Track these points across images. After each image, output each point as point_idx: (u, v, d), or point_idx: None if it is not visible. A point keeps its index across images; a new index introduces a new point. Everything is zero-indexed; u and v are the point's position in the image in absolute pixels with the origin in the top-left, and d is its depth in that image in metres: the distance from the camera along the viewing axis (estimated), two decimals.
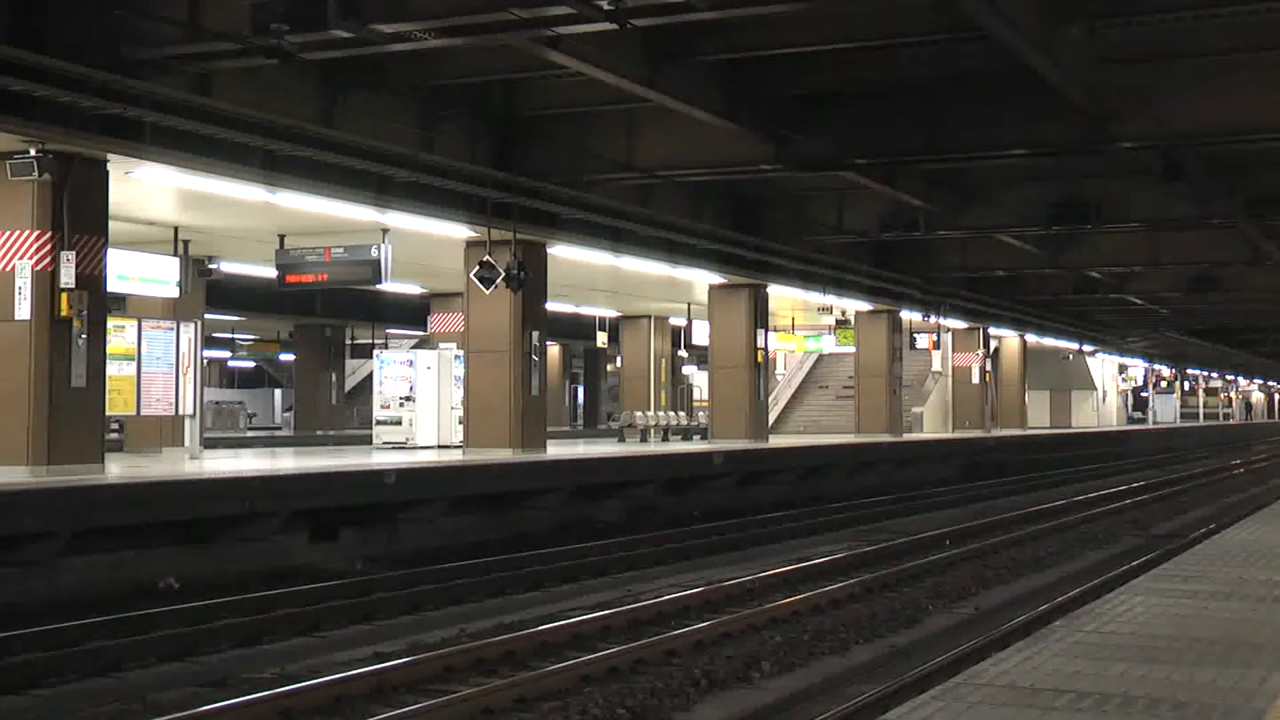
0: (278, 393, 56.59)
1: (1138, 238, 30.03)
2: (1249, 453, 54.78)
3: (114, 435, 19.66)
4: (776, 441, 27.98)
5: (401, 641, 11.01)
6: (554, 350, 46.40)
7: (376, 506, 15.43)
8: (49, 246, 13.56)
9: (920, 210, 24.83)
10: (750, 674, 10.01)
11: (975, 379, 38.95)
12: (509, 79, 17.81)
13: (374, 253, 18.20)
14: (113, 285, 15.48)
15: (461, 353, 21.42)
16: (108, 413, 15.67)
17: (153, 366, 17.65)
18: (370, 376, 27.26)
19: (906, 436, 32.63)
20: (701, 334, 30.01)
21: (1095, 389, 54.88)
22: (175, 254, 18.80)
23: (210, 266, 21.04)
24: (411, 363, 22.94)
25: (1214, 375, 80.00)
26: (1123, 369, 61.30)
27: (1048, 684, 5.71)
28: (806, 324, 35.29)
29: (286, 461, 19.60)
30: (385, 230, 18.06)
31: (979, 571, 15.67)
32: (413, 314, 33.94)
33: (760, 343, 26.27)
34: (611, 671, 9.79)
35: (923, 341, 35.68)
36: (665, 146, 19.87)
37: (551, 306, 22.57)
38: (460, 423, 21.45)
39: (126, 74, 13.50)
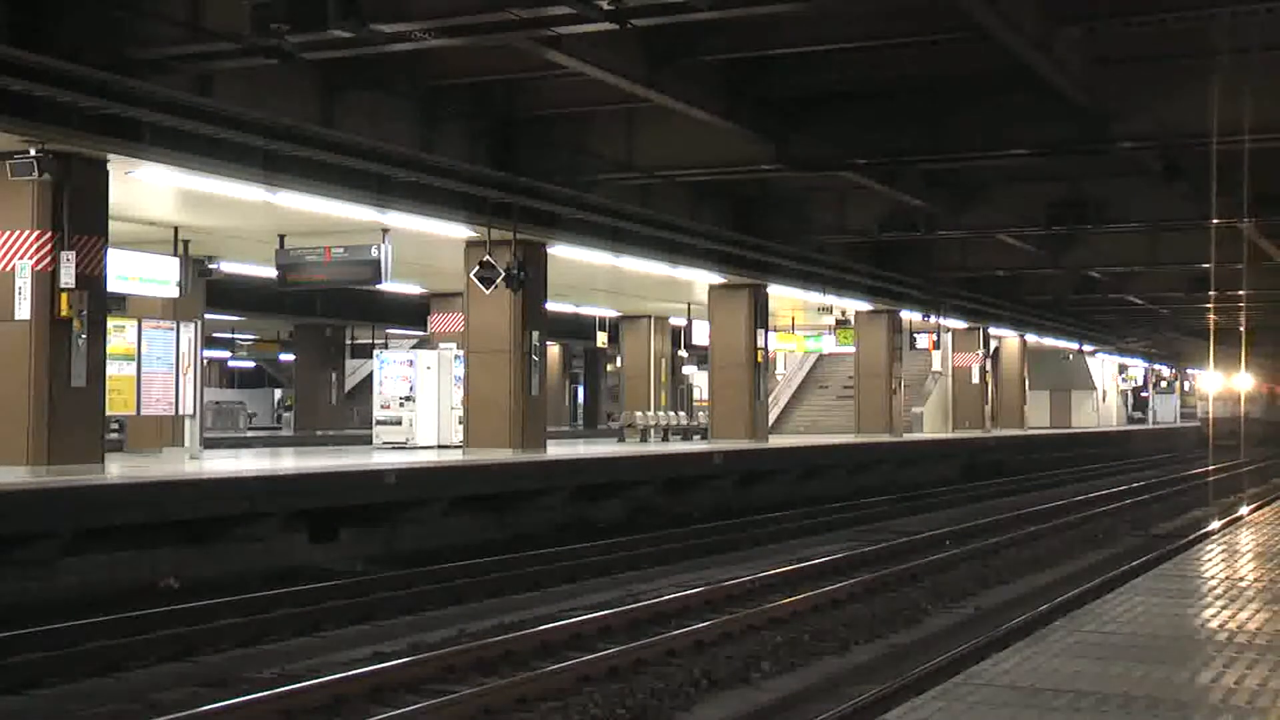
0: (278, 393, 56.57)
1: (1138, 238, 30.04)
2: (1249, 452, 54.65)
3: (114, 435, 19.64)
4: (776, 441, 27.98)
5: (401, 641, 11.01)
6: (554, 350, 46.39)
7: (376, 507, 15.43)
8: (49, 246, 13.56)
9: (920, 210, 24.85)
10: (750, 674, 10.01)
11: (975, 379, 38.95)
12: (509, 79, 17.83)
13: (374, 253, 18.19)
14: (113, 285, 15.47)
15: (461, 353, 21.41)
16: (108, 413, 15.67)
17: (153, 366, 17.64)
18: (370, 376, 27.26)
19: (906, 436, 32.63)
20: (701, 334, 30.01)
21: (1095, 389, 54.86)
22: (175, 254, 18.79)
23: (210, 266, 21.03)
24: (411, 363, 22.94)
25: None
26: (1123, 369, 61.28)
27: (1048, 684, 5.71)
28: (806, 324, 35.28)
29: (287, 462, 19.60)
30: (385, 230, 18.06)
31: (979, 571, 15.68)
32: (413, 314, 33.93)
33: (760, 343, 26.27)
34: (611, 671, 9.80)
35: (923, 341, 35.68)
36: (665, 146, 19.88)
37: (551, 306, 22.56)
38: (460, 423, 21.45)
39: (126, 74, 13.50)
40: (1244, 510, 21.67)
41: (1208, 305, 38.95)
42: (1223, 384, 57.38)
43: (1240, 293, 35.38)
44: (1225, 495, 28.92)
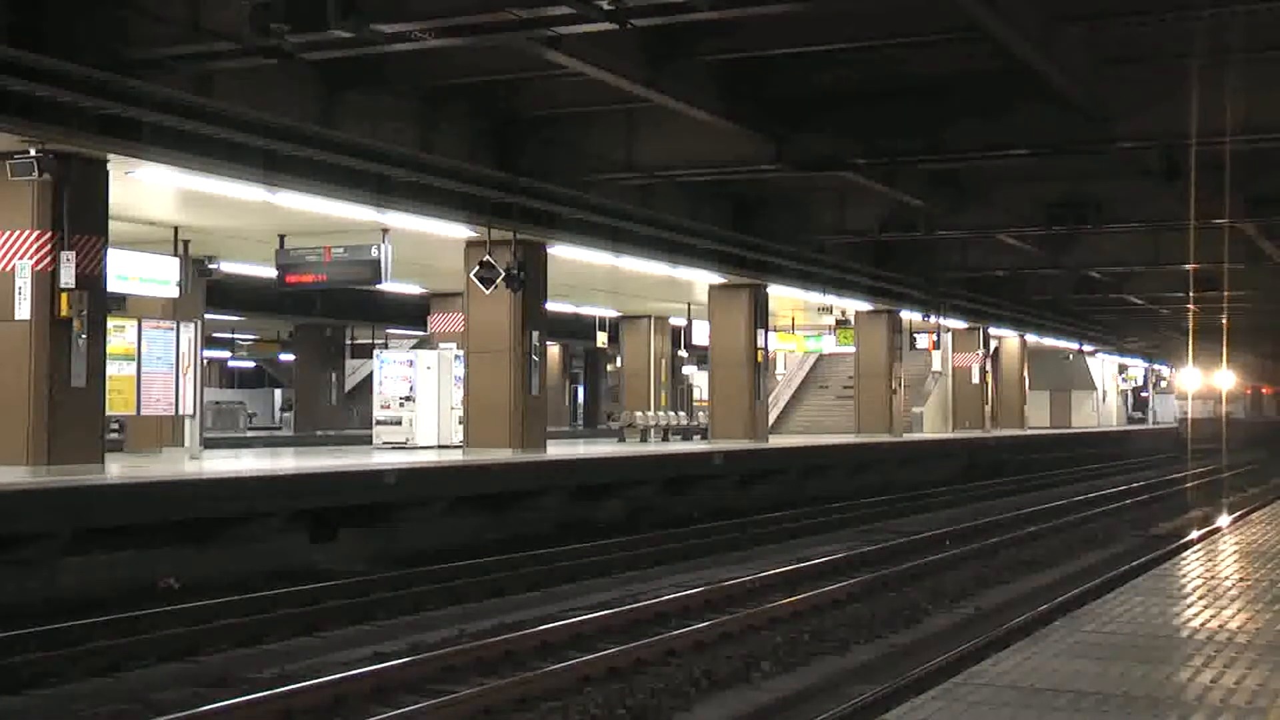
0: (278, 393, 56.58)
1: (1138, 238, 30.04)
2: (1248, 452, 54.59)
3: (114, 435, 19.66)
4: (776, 441, 27.98)
5: (401, 641, 11.02)
6: (554, 350, 46.39)
7: (376, 507, 15.43)
8: (49, 246, 13.57)
9: (920, 210, 24.84)
10: (750, 674, 10.01)
11: (975, 379, 38.95)
12: (509, 79, 17.82)
13: (374, 253, 18.20)
14: (113, 285, 15.47)
15: (461, 353, 21.42)
16: (108, 413, 15.67)
17: (153, 366, 17.64)
18: (370, 377, 27.26)
19: (906, 436, 32.64)
20: (701, 334, 30.01)
21: (1095, 389, 54.84)
22: (175, 254, 18.80)
23: (210, 266, 21.04)
24: (411, 363, 22.93)
25: None
26: (1123, 369, 61.25)
27: (1048, 684, 5.71)
28: (806, 324, 35.29)
29: (286, 462, 19.60)
30: (385, 230, 18.06)
31: (979, 571, 15.68)
32: (413, 314, 33.94)
33: (760, 343, 26.27)
34: (611, 671, 9.80)
35: (923, 341, 35.69)
36: (665, 146, 19.88)
37: (551, 306, 22.56)
38: (460, 423, 21.45)
39: (126, 74, 13.50)
40: (1242, 511, 21.66)
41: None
42: (1202, 382, 54.05)
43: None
44: (1225, 495, 28.92)
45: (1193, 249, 26.55)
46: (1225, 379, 52.60)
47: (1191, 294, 35.30)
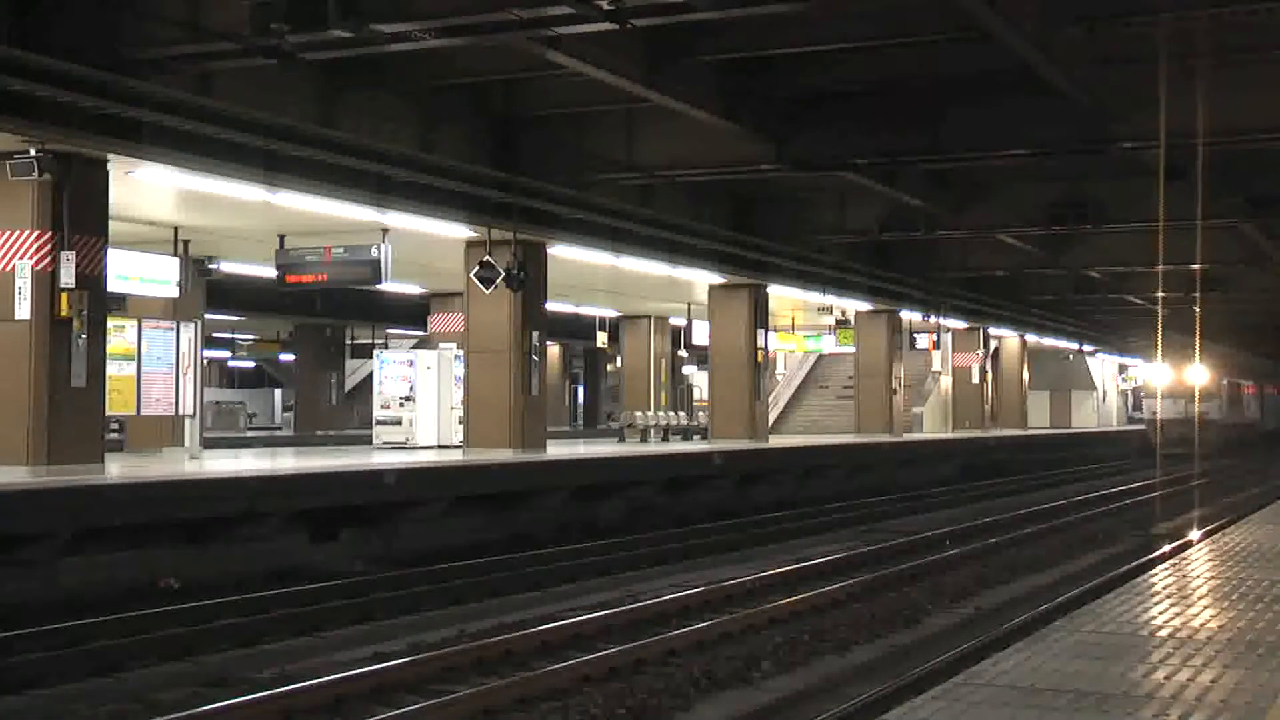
0: (278, 393, 56.57)
1: (1138, 238, 30.04)
2: (1247, 453, 54.53)
3: (114, 435, 19.64)
4: (776, 441, 27.98)
5: (401, 641, 11.02)
6: (554, 350, 46.40)
7: (376, 507, 15.42)
8: (49, 246, 13.57)
9: (920, 210, 24.85)
10: (750, 674, 10.01)
11: (975, 379, 38.95)
12: (509, 79, 17.83)
13: (374, 253, 18.20)
14: (113, 285, 15.47)
15: (461, 353, 21.42)
16: (108, 412, 15.67)
17: (153, 366, 17.64)
18: (370, 377, 27.25)
19: (906, 436, 32.63)
20: (701, 334, 30.01)
21: (1095, 389, 54.79)
22: (175, 254, 18.80)
23: (210, 266, 21.04)
24: (411, 363, 22.93)
25: None
26: (1123, 369, 61.22)
27: (1048, 684, 5.71)
28: (806, 324, 35.29)
29: (286, 462, 19.59)
30: (385, 230, 18.06)
31: (979, 571, 15.68)
32: (413, 314, 33.94)
33: (760, 343, 26.27)
34: (611, 671, 9.80)
35: (923, 341, 35.67)
36: (665, 146, 19.89)
37: (551, 306, 22.56)
38: (460, 423, 21.45)
39: (126, 74, 13.50)
40: (1241, 512, 21.65)
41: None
42: (1173, 379, 48.31)
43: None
44: (1227, 495, 28.91)
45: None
46: (1199, 375, 47.44)
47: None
